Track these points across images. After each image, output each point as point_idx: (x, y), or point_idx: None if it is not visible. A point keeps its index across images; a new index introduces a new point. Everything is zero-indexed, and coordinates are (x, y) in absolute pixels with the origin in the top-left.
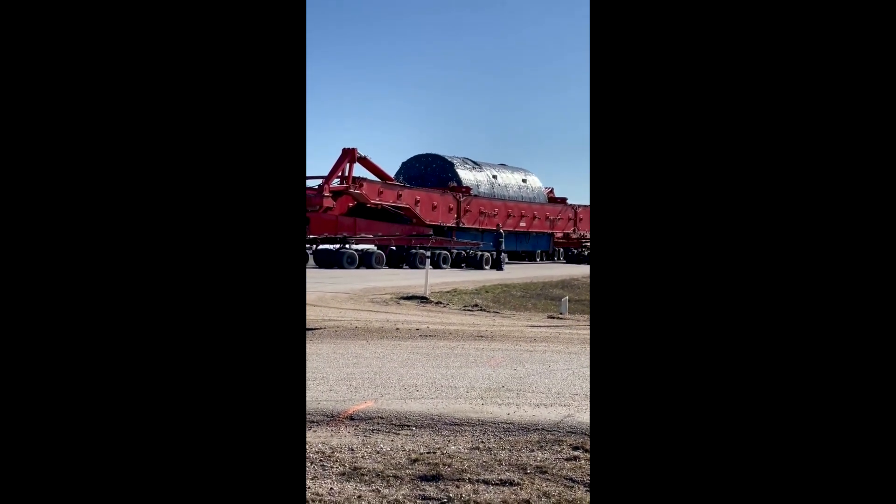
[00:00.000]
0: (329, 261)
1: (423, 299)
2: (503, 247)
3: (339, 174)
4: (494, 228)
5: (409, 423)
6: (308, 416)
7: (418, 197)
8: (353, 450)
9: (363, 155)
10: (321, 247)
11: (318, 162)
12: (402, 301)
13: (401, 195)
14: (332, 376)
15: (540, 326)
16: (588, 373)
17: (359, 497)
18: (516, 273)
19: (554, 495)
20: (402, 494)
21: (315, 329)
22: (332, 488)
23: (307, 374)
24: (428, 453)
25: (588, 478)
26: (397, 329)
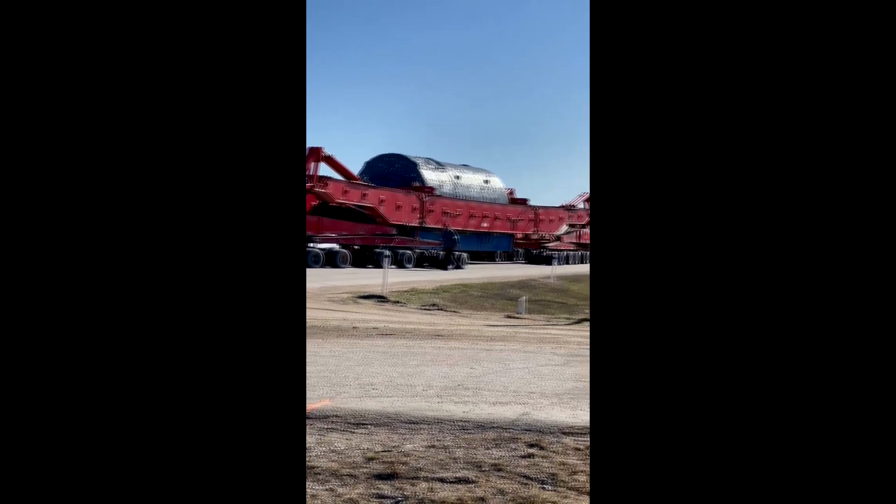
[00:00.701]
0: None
1: (381, 298)
2: (457, 246)
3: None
4: (458, 229)
5: (365, 422)
6: None
7: (382, 196)
8: (308, 448)
9: (328, 154)
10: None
11: None
12: (360, 300)
13: (365, 195)
14: (309, 374)
15: (498, 326)
16: (544, 371)
17: (313, 496)
18: (476, 273)
19: (510, 493)
20: (358, 493)
21: None
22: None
23: None
24: (384, 452)
25: (543, 475)
26: (355, 328)
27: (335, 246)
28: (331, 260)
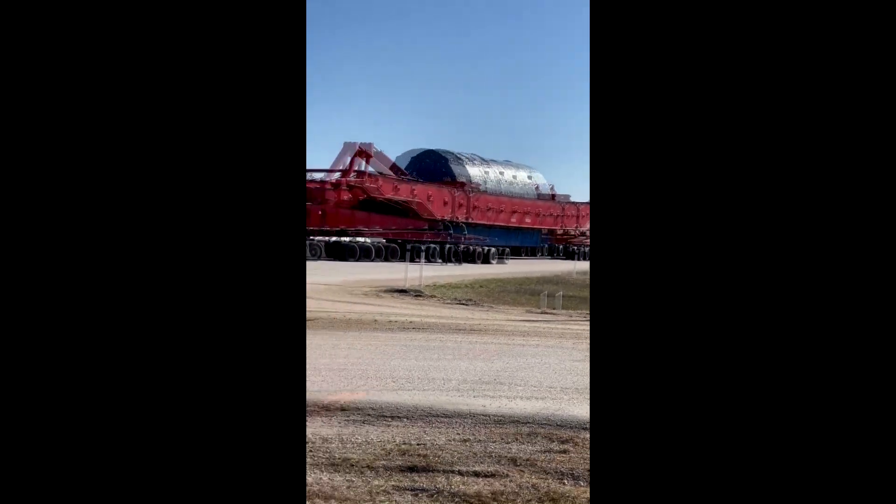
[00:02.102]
0: (338, 253)
1: (417, 293)
2: (488, 242)
3: (354, 169)
4: (500, 224)
5: (399, 415)
6: None
7: (430, 192)
8: (342, 440)
9: (379, 150)
10: (332, 239)
11: (321, 154)
12: (396, 294)
13: (413, 190)
14: (323, 367)
15: (533, 321)
16: (579, 367)
17: (348, 487)
18: (514, 268)
19: (542, 487)
20: (391, 485)
21: (311, 320)
22: (320, 478)
23: None
24: (418, 444)
25: (577, 471)
26: (391, 321)
27: (380, 240)
28: (371, 254)
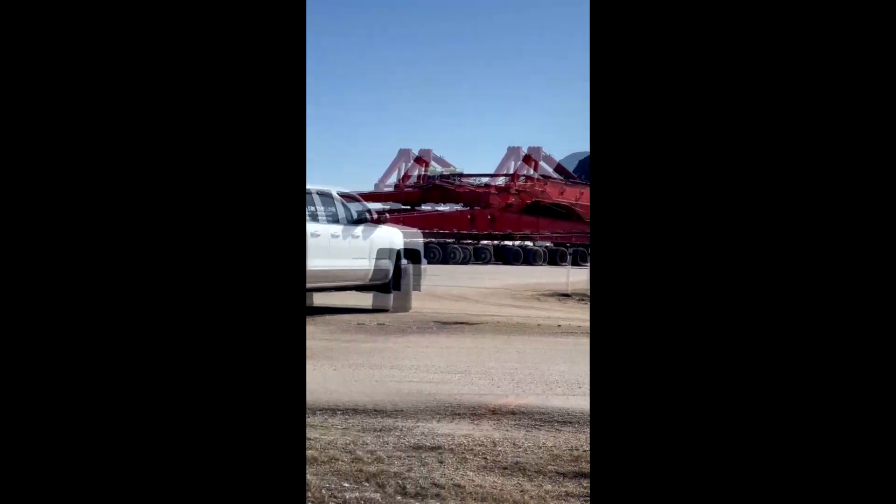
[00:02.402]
0: (504, 257)
1: (581, 297)
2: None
3: (522, 174)
4: None
5: (569, 420)
6: (471, 410)
7: None
8: (515, 444)
9: (547, 153)
10: (499, 243)
11: (484, 158)
12: (560, 298)
13: (581, 194)
14: (491, 370)
15: None
16: None
17: (520, 491)
18: None
19: None
20: (563, 491)
21: (476, 324)
22: (493, 482)
23: (471, 368)
24: (588, 451)
25: None
26: (557, 326)
27: (547, 244)
28: (543, 257)
